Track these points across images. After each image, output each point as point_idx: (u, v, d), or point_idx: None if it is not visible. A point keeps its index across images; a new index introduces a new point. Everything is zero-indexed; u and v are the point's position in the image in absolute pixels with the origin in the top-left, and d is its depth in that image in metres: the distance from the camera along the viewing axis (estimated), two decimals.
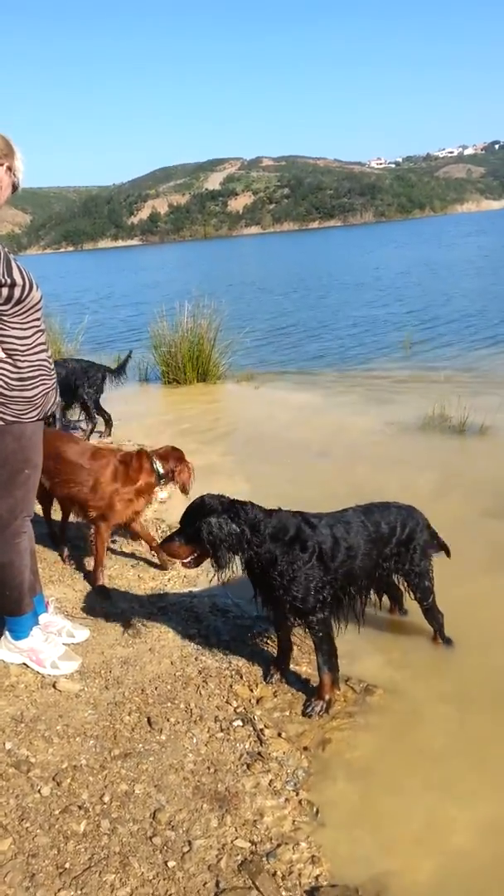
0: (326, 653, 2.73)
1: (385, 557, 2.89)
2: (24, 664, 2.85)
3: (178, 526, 2.73)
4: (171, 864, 2.03)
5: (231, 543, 2.58)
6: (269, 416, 7.57)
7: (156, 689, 2.79)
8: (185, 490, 3.68)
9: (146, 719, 2.62)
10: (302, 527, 2.70)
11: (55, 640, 2.90)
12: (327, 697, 2.73)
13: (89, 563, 3.85)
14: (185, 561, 2.70)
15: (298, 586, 2.63)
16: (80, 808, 2.20)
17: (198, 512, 2.64)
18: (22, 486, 2.65)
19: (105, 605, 3.43)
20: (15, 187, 2.62)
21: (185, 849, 2.08)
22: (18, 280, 2.44)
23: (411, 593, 3.06)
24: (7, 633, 2.85)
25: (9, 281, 2.41)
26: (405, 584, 3.04)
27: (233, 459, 5.91)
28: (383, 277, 22.98)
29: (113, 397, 8.97)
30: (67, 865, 2.00)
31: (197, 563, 2.71)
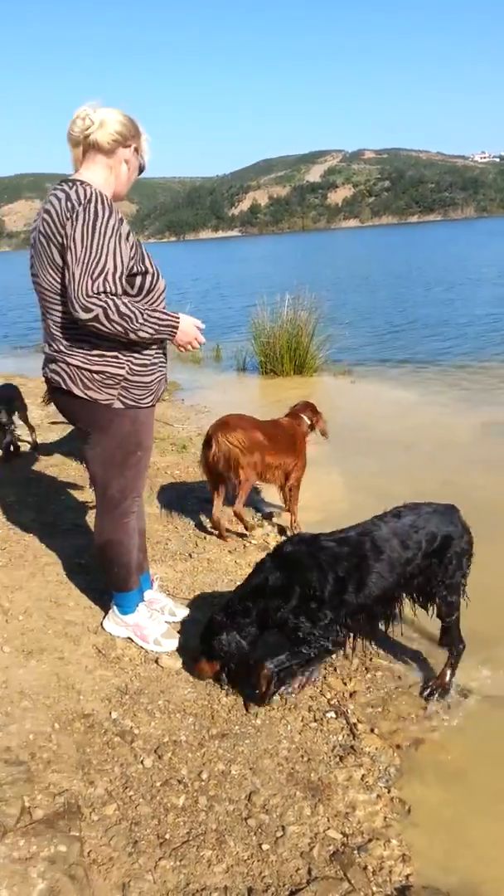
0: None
1: (411, 574, 2.70)
2: (129, 638, 2.96)
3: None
4: (265, 846, 2.07)
5: (240, 657, 2.65)
6: (364, 411, 7.53)
7: None
8: (325, 434, 4.63)
9: (243, 702, 2.67)
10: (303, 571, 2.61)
11: (158, 618, 3.00)
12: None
13: (191, 545, 3.95)
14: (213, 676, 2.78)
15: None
16: (179, 782, 2.27)
17: (208, 631, 2.71)
18: (133, 468, 2.74)
19: None
20: (141, 168, 2.70)
21: (279, 833, 2.12)
22: (150, 269, 2.53)
23: (434, 608, 2.84)
24: (114, 607, 2.98)
25: (142, 269, 2.49)
26: (431, 596, 2.81)
27: (327, 451, 5.90)
28: (490, 275, 22.28)
29: (211, 385, 9.14)
30: (167, 836, 2.07)
31: (229, 676, 2.76)
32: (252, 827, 2.14)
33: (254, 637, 2.65)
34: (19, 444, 5.41)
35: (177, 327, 2.52)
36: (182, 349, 2.63)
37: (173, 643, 2.93)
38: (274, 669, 2.62)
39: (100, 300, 2.31)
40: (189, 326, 2.58)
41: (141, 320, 2.40)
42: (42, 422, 6.66)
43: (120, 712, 2.57)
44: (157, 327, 2.47)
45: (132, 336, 2.42)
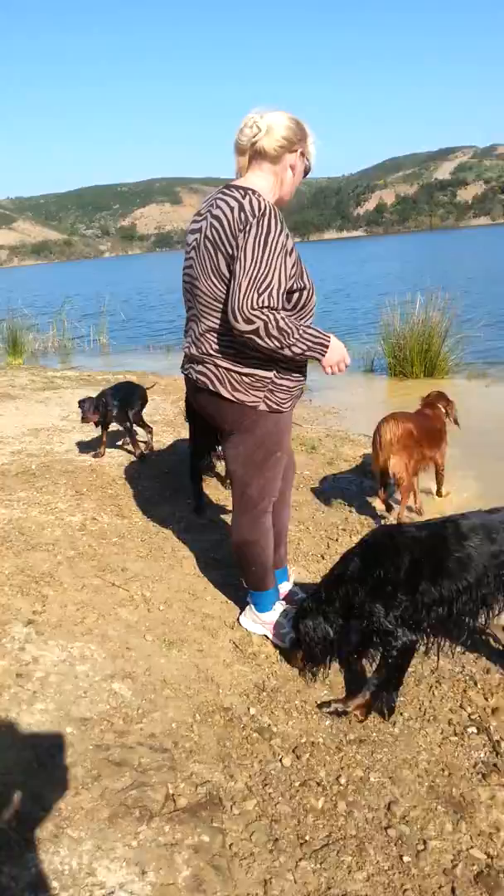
0: None
1: (499, 571, 2.54)
2: (265, 636, 3.00)
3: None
4: (405, 858, 2.03)
5: (324, 645, 2.65)
6: (499, 415, 7.22)
7: None
8: (456, 423, 4.85)
9: (379, 709, 2.63)
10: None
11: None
12: None
13: (322, 546, 3.95)
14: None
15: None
16: (318, 784, 2.27)
17: (297, 616, 2.72)
18: (272, 468, 2.78)
19: None
20: (307, 171, 2.69)
21: (420, 847, 2.07)
22: (307, 284, 2.55)
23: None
24: (251, 604, 3.02)
25: (301, 285, 2.52)
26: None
27: (461, 455, 5.72)
28: None
29: (339, 386, 9.07)
30: (307, 837, 2.08)
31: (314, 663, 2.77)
32: (392, 837, 2.10)
33: (339, 626, 2.63)
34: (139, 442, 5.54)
35: (327, 347, 2.54)
36: (329, 370, 2.62)
37: None
38: (369, 698, 2.59)
39: (262, 314, 2.35)
40: (339, 347, 2.59)
41: (296, 336, 2.44)
42: (175, 418, 6.87)
43: (258, 708, 2.60)
44: (309, 344, 2.50)
45: (285, 352, 2.46)
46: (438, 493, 4.99)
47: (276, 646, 2.97)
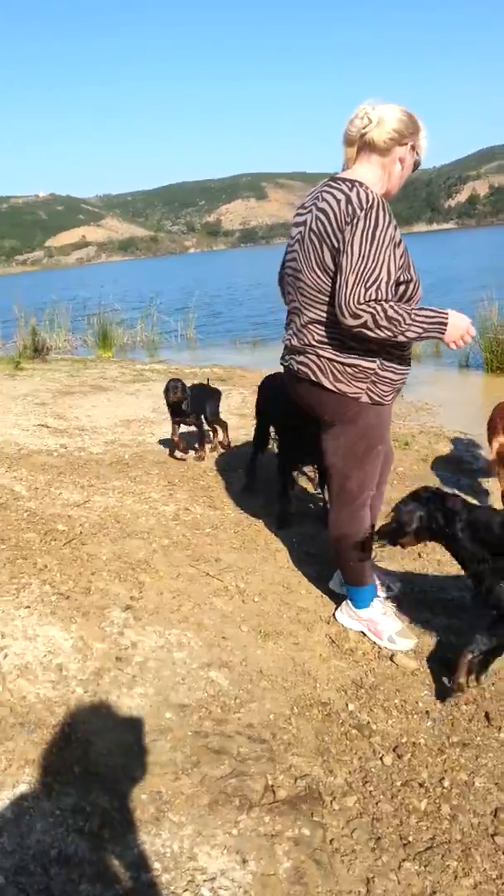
0: None
1: None
2: (362, 632, 2.94)
3: None
4: None
5: (414, 531, 2.65)
6: None
7: (493, 685, 2.69)
8: None
9: (484, 714, 2.54)
10: None
11: (392, 616, 2.95)
12: None
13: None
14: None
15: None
16: (420, 785, 2.21)
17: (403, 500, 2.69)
18: (373, 462, 2.74)
19: None
20: (417, 165, 2.65)
21: None
22: (413, 277, 2.51)
23: None
24: (349, 600, 2.97)
25: (407, 277, 2.49)
26: None
27: None
28: None
29: (431, 381, 8.87)
30: (410, 839, 2.02)
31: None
32: (500, 845, 2.01)
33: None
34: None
35: (446, 324, 2.44)
36: (453, 346, 2.51)
37: (409, 643, 2.86)
38: (476, 655, 2.48)
39: (369, 307, 2.33)
40: (460, 320, 2.47)
41: (408, 321, 2.37)
42: None
43: (356, 705, 2.55)
44: (425, 326, 2.42)
45: (400, 339, 2.40)
46: None
47: (373, 643, 2.91)
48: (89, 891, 1.74)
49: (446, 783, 2.22)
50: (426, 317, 2.42)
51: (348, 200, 2.38)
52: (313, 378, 2.60)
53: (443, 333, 2.44)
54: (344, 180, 2.47)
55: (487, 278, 13.10)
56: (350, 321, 2.34)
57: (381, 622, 2.90)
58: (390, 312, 2.33)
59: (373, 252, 2.32)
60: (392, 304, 2.36)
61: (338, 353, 2.53)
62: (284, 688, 2.60)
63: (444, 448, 5.88)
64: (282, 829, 1.99)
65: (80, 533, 3.56)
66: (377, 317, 2.32)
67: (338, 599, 3.16)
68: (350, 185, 2.42)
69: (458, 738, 2.42)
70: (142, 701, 2.40)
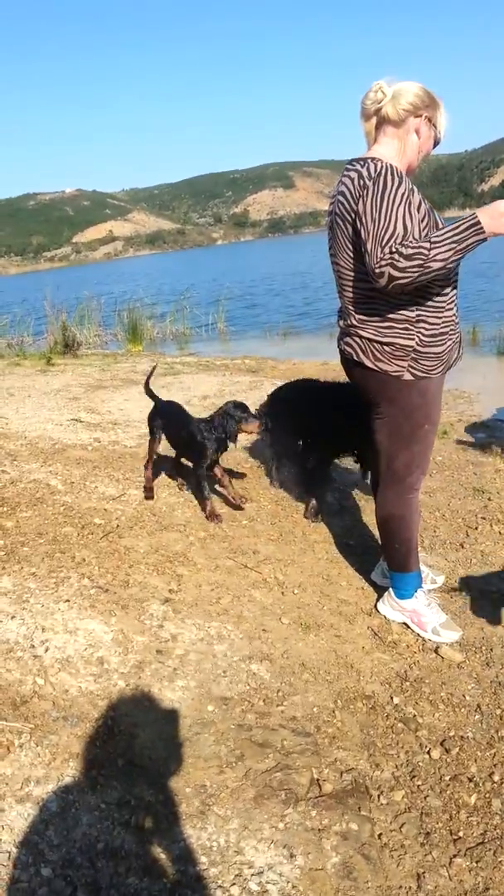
0: None
1: None
2: (405, 624, 2.89)
3: None
4: None
5: None
6: None
7: None
8: None
9: None
10: None
11: (437, 607, 2.89)
12: None
13: (461, 534, 3.78)
14: None
15: None
16: (469, 780, 2.16)
17: None
18: (420, 442, 2.69)
19: None
20: (437, 142, 2.62)
21: None
22: None
23: None
24: (392, 590, 2.92)
25: None
26: None
27: None
28: None
29: (468, 368, 8.70)
30: (461, 834, 1.97)
31: None
32: None
33: None
34: None
35: (479, 223, 2.22)
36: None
37: (453, 635, 2.81)
38: None
39: (384, 260, 2.25)
40: (494, 208, 2.24)
41: (429, 246, 2.22)
42: None
43: (401, 698, 2.51)
44: (455, 239, 2.22)
45: (434, 266, 2.23)
46: None
47: (417, 635, 2.86)
48: (136, 884, 1.73)
49: (496, 777, 2.17)
50: (451, 230, 2.25)
51: (360, 176, 2.39)
52: (355, 358, 2.62)
53: (482, 232, 2.23)
54: (359, 160, 2.48)
55: None
56: (378, 282, 2.30)
57: (425, 613, 2.84)
58: (406, 251, 2.22)
59: (383, 212, 2.29)
60: (406, 241, 2.25)
61: (376, 333, 2.53)
62: (327, 681, 2.56)
63: (483, 434, 5.78)
64: (329, 823, 1.96)
65: (117, 526, 3.55)
66: (395, 262, 2.23)
67: (379, 591, 3.12)
68: (363, 163, 2.43)
69: None
70: (183, 694, 2.39)
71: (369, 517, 3.80)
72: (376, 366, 2.57)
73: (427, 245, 2.23)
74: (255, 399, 6.99)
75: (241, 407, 3.82)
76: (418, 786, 2.13)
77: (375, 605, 3.03)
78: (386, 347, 2.53)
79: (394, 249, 2.25)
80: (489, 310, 13.02)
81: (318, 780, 2.11)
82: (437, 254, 2.22)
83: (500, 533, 3.84)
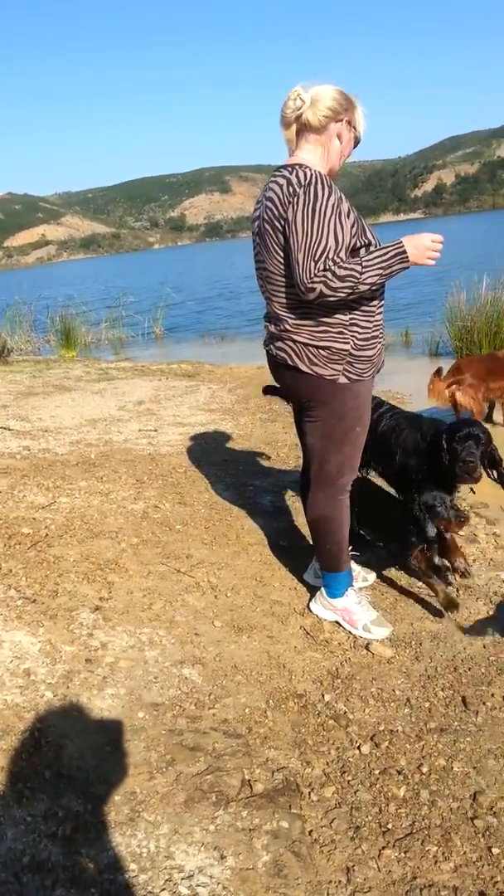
0: None
1: None
2: (337, 622, 2.93)
3: None
4: (495, 850, 1.94)
5: None
6: None
7: (468, 669, 2.70)
8: None
9: (460, 698, 2.54)
10: None
11: (367, 605, 2.94)
12: None
13: None
14: None
15: None
16: (398, 772, 2.19)
17: None
18: (352, 444, 2.74)
19: None
20: (357, 141, 2.66)
21: None
22: (372, 240, 2.51)
23: None
24: (323, 589, 2.95)
25: (365, 241, 2.48)
26: None
27: None
28: None
29: (401, 370, 8.90)
30: (390, 826, 2.00)
31: None
32: (479, 828, 2.01)
33: None
34: None
35: (404, 251, 2.38)
36: (430, 262, 2.44)
37: (384, 631, 2.86)
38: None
39: (318, 276, 2.32)
40: (417, 239, 2.40)
41: (361, 269, 2.33)
42: (234, 406, 6.84)
43: (333, 695, 2.54)
44: (383, 265, 2.37)
45: (362, 289, 2.37)
46: None
47: (349, 633, 2.89)
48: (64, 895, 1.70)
49: (425, 769, 2.21)
50: (380, 256, 2.37)
51: (289, 183, 2.41)
52: (290, 362, 2.62)
53: (407, 261, 2.39)
54: (286, 167, 2.51)
55: (455, 267, 13.22)
56: (307, 296, 2.37)
57: (356, 611, 2.89)
58: (340, 272, 2.31)
59: (315, 225, 2.33)
60: (340, 262, 2.33)
61: (311, 338, 2.55)
62: (259, 681, 2.57)
63: None
64: (260, 822, 1.97)
65: (46, 535, 3.49)
66: (329, 281, 2.31)
67: (312, 591, 3.15)
68: (291, 169, 2.45)
69: (435, 724, 2.42)
70: (113, 702, 2.36)
71: (303, 518, 3.84)
72: (311, 370, 2.58)
73: (359, 269, 2.33)
74: (192, 403, 7.00)
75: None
76: (348, 781, 2.16)
77: (308, 605, 3.06)
78: (322, 351, 2.55)
79: (327, 266, 2.31)
80: (420, 312, 13.33)
81: (249, 780, 2.11)
82: (366, 277, 2.35)
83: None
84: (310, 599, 3.08)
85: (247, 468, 4.87)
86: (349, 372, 2.59)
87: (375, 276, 2.36)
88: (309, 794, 2.10)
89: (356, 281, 2.33)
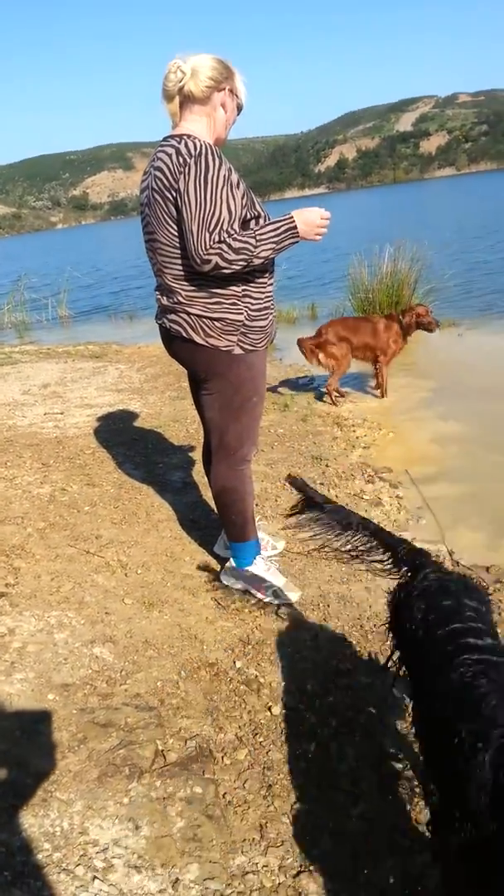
0: None
1: None
2: (247, 591, 2.97)
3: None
4: (400, 792, 2.04)
5: None
6: (471, 364, 7.26)
7: (374, 626, 2.80)
8: (429, 327, 6.35)
9: (366, 654, 2.63)
10: None
11: (276, 571, 2.99)
12: None
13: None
14: None
15: None
16: (308, 729, 2.26)
17: None
18: (249, 413, 2.77)
19: None
20: (240, 108, 2.68)
21: (414, 783, 2.08)
22: (261, 212, 2.53)
23: None
24: (232, 559, 2.99)
25: (255, 214, 2.51)
26: None
27: (434, 396, 5.77)
28: None
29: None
30: (301, 781, 2.07)
31: None
32: (384, 774, 2.10)
33: None
34: None
35: (295, 226, 2.44)
36: (318, 238, 2.52)
37: (293, 596, 2.92)
38: None
39: (214, 248, 2.34)
40: (306, 214, 2.46)
41: (255, 242, 2.38)
42: (142, 385, 6.77)
43: (244, 661, 2.58)
44: (276, 239, 2.42)
45: (256, 262, 2.41)
46: (381, 394, 6.26)
47: (259, 600, 2.94)
48: None
49: (333, 723, 2.29)
50: (273, 230, 2.42)
51: (178, 153, 2.40)
52: (185, 335, 2.61)
53: (297, 236, 2.46)
54: (173, 136, 2.50)
55: (358, 239, 13.42)
56: (202, 267, 2.38)
57: (265, 578, 2.93)
58: (235, 244, 2.35)
59: (208, 195, 2.35)
60: (235, 234, 2.37)
61: (205, 309, 2.56)
62: (171, 654, 2.59)
63: (323, 407, 6.02)
64: (174, 790, 1.99)
65: None
66: (224, 253, 2.34)
67: (223, 563, 3.18)
68: (179, 139, 2.45)
69: (344, 682, 2.49)
70: (22, 686, 2.32)
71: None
72: (207, 342, 2.59)
73: (254, 242, 2.37)
74: (100, 384, 6.88)
75: None
76: (260, 742, 2.21)
77: (218, 576, 3.09)
78: (217, 323, 2.57)
79: (223, 238, 2.33)
80: (324, 283, 13.50)
81: (162, 751, 2.13)
82: (261, 251, 2.39)
83: (336, 496, 4.02)
84: (220, 571, 3.11)
85: (156, 446, 4.85)
86: (244, 343, 2.62)
87: (269, 250, 2.41)
88: (222, 758, 2.14)
89: (250, 254, 2.37)
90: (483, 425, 5.21)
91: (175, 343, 2.70)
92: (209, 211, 2.34)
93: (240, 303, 2.56)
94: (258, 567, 2.95)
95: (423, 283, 9.15)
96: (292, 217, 2.43)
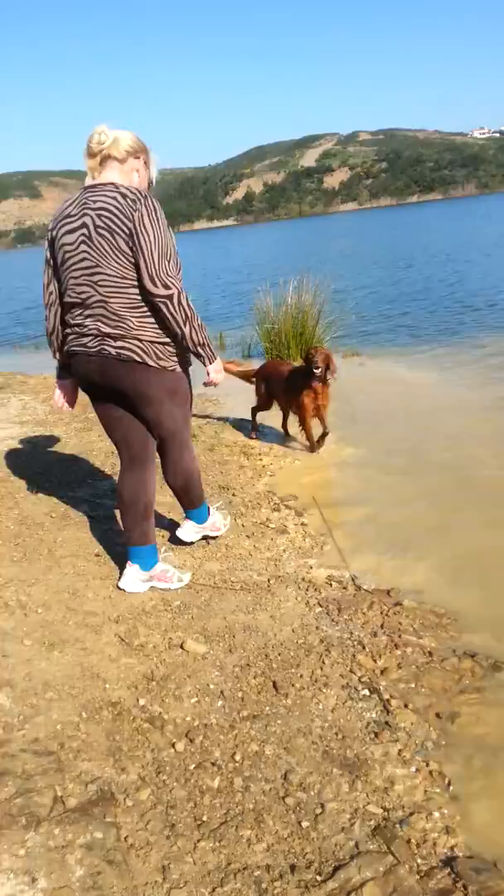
0: None
1: None
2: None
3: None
4: (304, 824, 2.04)
5: None
6: (373, 391, 7.50)
7: (279, 655, 2.81)
8: (323, 378, 5.38)
9: (272, 683, 2.64)
10: None
11: (215, 511, 3.82)
12: None
13: None
14: None
15: None
16: (213, 764, 2.24)
17: None
18: (189, 416, 3.32)
19: None
20: (150, 183, 3.07)
21: (318, 811, 2.09)
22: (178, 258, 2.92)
23: None
24: (189, 520, 3.67)
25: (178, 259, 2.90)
26: None
27: (336, 421, 5.91)
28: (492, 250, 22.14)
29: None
30: (205, 818, 2.04)
31: None
32: (290, 805, 2.10)
33: None
34: None
35: (215, 360, 3.10)
36: (215, 377, 3.17)
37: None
38: None
39: (177, 282, 2.79)
40: (220, 365, 3.17)
41: (198, 322, 2.90)
42: (47, 416, 6.63)
43: (147, 699, 2.53)
44: (208, 342, 2.99)
45: (185, 328, 2.87)
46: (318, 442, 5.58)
47: (162, 635, 2.90)
48: None
49: (238, 757, 2.27)
50: (207, 336, 2.97)
51: (123, 195, 2.74)
52: (138, 360, 2.89)
53: (213, 360, 3.09)
54: (102, 184, 2.81)
55: (264, 271, 13.70)
56: (161, 290, 2.76)
57: (216, 518, 3.76)
58: (186, 302, 2.83)
59: (161, 230, 2.76)
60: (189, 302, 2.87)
61: (156, 334, 2.90)
62: (72, 695, 2.51)
63: (230, 436, 6.06)
64: (73, 837, 1.93)
65: None
66: (182, 295, 2.80)
67: (125, 597, 3.14)
68: (114, 186, 2.78)
69: (248, 712, 2.49)
70: None
71: (117, 525, 3.81)
72: (158, 364, 2.93)
73: (198, 320, 2.91)
74: (3, 416, 6.69)
75: None
76: (164, 780, 2.17)
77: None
78: (167, 347, 2.95)
79: (179, 268, 2.83)
80: (229, 316, 13.69)
81: (61, 797, 2.06)
82: (194, 328, 2.90)
83: (243, 526, 4.05)
84: (126, 594, 3.21)
85: (61, 479, 4.74)
86: (181, 363, 3.06)
87: (198, 337, 2.93)
88: (124, 800, 2.09)
89: (190, 320, 2.86)
90: (377, 449, 5.41)
91: (125, 367, 2.91)
92: (164, 242, 2.75)
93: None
94: (214, 515, 3.74)
95: (325, 315, 9.39)
96: (218, 359, 3.13)
